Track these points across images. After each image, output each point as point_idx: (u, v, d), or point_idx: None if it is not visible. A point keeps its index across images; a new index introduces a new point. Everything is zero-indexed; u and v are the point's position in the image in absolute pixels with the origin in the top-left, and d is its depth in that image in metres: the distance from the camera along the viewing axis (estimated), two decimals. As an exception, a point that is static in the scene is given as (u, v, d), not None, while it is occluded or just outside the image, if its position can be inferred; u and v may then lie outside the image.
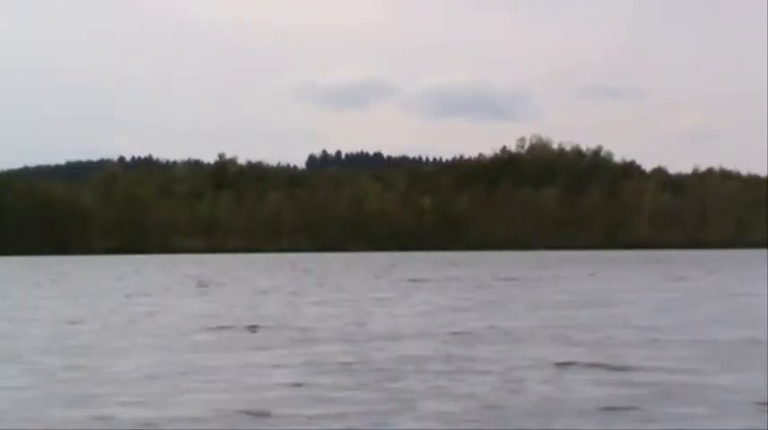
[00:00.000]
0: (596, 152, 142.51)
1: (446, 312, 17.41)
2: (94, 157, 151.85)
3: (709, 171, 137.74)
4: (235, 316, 16.94)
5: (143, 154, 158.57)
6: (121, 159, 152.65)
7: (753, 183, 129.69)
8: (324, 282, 33.12)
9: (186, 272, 46.90)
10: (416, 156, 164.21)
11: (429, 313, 17.21)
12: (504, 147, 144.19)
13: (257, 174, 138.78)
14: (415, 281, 32.16)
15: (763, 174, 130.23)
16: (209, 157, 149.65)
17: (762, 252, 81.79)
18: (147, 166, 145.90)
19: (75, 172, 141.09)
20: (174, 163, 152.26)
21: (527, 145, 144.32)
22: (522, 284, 29.25)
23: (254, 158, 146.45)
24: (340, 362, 10.07)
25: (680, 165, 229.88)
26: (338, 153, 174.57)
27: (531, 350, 11.09)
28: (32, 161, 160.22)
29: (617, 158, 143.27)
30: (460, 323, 14.80)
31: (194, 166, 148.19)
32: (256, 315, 17.05)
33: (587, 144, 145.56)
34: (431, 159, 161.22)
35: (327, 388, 8.29)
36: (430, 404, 7.44)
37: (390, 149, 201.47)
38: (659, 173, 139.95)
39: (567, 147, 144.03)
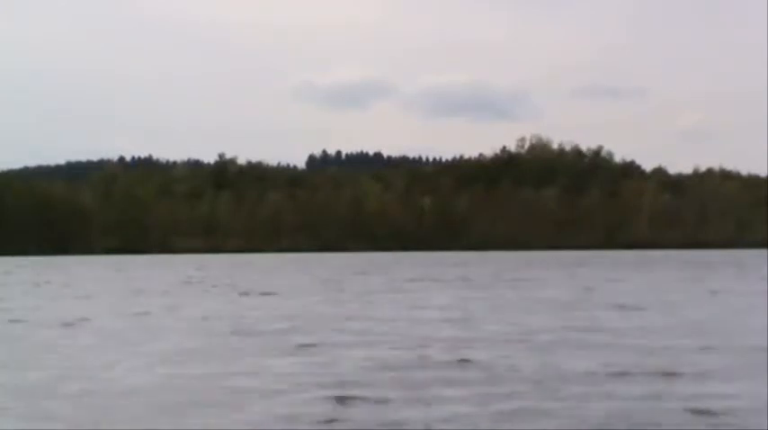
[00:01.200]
0: (596, 152, 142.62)
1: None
2: (94, 157, 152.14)
3: (709, 171, 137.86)
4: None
5: (143, 154, 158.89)
6: (121, 159, 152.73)
7: (753, 183, 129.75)
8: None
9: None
10: (416, 156, 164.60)
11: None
12: (504, 147, 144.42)
13: (257, 174, 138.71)
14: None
15: (763, 174, 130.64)
16: (209, 157, 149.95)
17: (762, 252, 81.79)
18: (147, 166, 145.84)
19: (75, 172, 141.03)
20: (174, 163, 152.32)
21: (527, 145, 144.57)
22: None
23: (254, 158, 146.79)
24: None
25: (680, 165, 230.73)
26: (338, 153, 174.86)
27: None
28: (32, 161, 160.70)
29: (617, 158, 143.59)
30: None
31: (194, 166, 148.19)
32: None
33: (587, 144, 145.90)
34: (431, 159, 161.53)
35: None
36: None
37: (390, 149, 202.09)
38: (659, 173, 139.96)
39: (567, 147, 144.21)
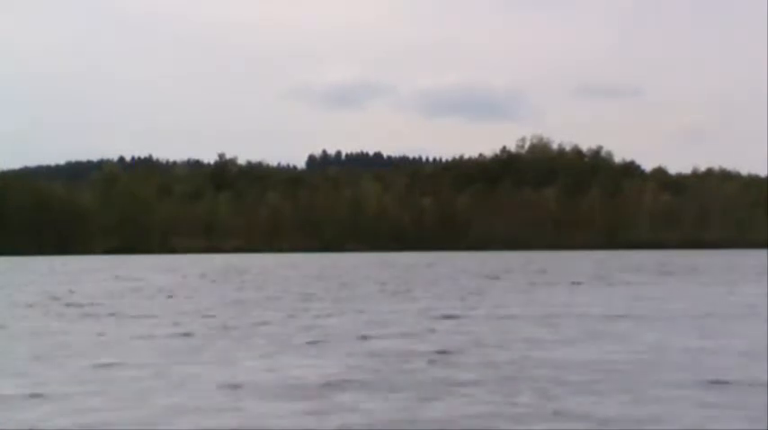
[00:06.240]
0: (596, 152, 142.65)
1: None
2: (94, 157, 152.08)
3: (709, 171, 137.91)
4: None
5: (143, 154, 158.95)
6: (121, 159, 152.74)
7: (753, 183, 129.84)
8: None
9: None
10: (416, 157, 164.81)
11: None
12: (504, 147, 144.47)
13: (257, 175, 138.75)
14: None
15: (763, 174, 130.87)
16: (209, 157, 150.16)
17: (762, 252, 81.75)
18: (147, 166, 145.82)
19: (75, 172, 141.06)
20: (174, 163, 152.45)
21: (527, 145, 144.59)
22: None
23: (254, 158, 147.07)
24: None
25: (680, 165, 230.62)
26: (338, 153, 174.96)
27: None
28: (32, 161, 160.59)
29: (617, 158, 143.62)
30: None
31: (194, 166, 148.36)
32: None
33: (587, 144, 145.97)
34: (431, 159, 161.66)
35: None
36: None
37: (390, 149, 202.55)
38: (659, 173, 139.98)
39: (567, 147, 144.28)
